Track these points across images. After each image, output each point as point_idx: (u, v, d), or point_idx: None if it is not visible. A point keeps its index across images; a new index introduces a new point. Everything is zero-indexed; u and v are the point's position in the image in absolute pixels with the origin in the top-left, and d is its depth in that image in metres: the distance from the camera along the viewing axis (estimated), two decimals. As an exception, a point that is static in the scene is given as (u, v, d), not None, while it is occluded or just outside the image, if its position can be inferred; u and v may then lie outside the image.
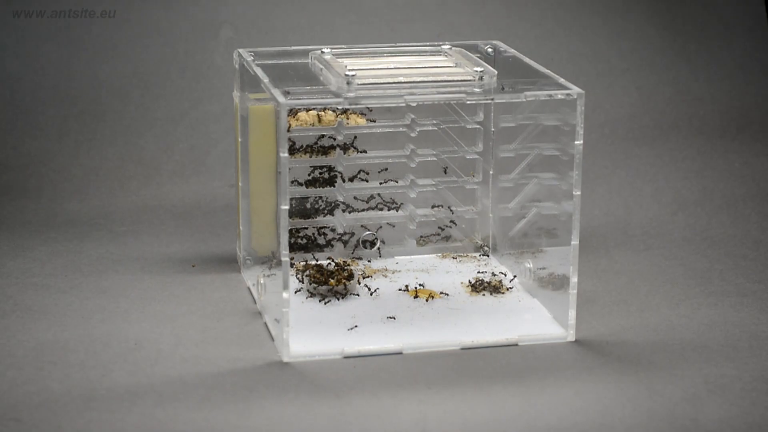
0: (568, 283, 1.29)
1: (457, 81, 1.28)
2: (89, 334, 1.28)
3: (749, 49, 1.81)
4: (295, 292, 1.37)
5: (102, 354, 1.25)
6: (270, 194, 1.28)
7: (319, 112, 1.40)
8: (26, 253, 1.47)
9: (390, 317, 1.32)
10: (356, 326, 1.30)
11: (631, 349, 1.28)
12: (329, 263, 1.42)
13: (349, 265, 1.42)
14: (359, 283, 1.39)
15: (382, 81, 1.26)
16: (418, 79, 1.27)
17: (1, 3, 1.73)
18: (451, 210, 1.46)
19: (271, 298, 1.29)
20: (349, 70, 1.27)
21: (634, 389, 1.20)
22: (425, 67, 1.32)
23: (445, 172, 1.46)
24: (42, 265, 1.44)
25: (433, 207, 1.46)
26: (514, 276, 1.41)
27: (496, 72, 1.29)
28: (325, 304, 1.35)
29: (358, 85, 1.25)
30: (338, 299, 1.36)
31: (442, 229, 1.50)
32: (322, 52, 1.35)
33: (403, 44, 1.40)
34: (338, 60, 1.33)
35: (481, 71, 1.28)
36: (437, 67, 1.33)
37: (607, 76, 1.78)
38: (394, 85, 1.26)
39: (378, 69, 1.30)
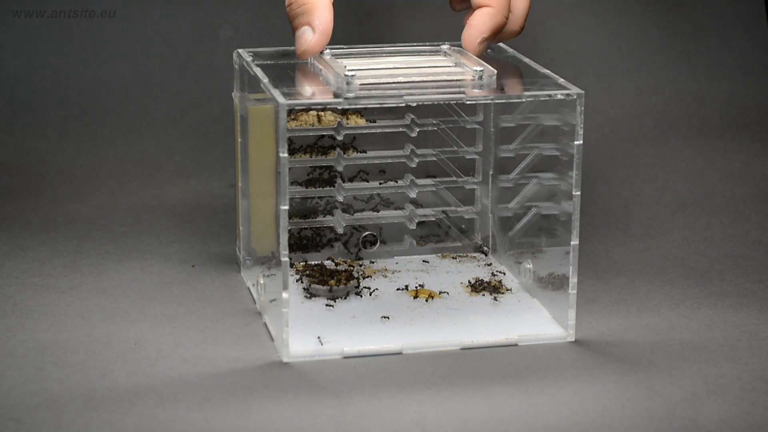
0: (568, 283, 1.29)
1: (457, 80, 1.28)
2: (89, 334, 1.28)
3: (749, 49, 1.81)
4: (296, 281, 1.38)
5: (102, 354, 1.25)
6: (270, 194, 1.28)
7: (319, 113, 1.40)
8: (26, 253, 1.47)
9: (384, 317, 1.32)
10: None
11: (631, 349, 1.28)
12: (329, 262, 1.42)
13: (350, 265, 1.42)
14: (359, 284, 1.39)
15: (381, 81, 1.26)
16: (418, 79, 1.27)
17: (1, 3, 1.73)
18: (447, 215, 1.47)
19: (271, 298, 1.29)
20: (349, 70, 1.27)
21: (634, 389, 1.20)
22: (424, 67, 1.32)
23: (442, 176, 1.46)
24: (42, 265, 1.44)
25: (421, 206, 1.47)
26: (500, 292, 1.40)
27: (495, 71, 1.29)
28: (327, 306, 1.36)
29: (358, 85, 1.25)
30: (333, 301, 1.36)
31: (442, 238, 1.50)
32: (321, 52, 1.35)
33: (402, 44, 1.40)
34: (337, 60, 1.33)
35: (480, 71, 1.28)
36: (437, 66, 1.33)
37: (607, 76, 1.78)
38: (393, 85, 1.26)
39: (377, 69, 1.30)
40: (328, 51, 1.35)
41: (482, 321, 1.32)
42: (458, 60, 1.34)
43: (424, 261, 1.46)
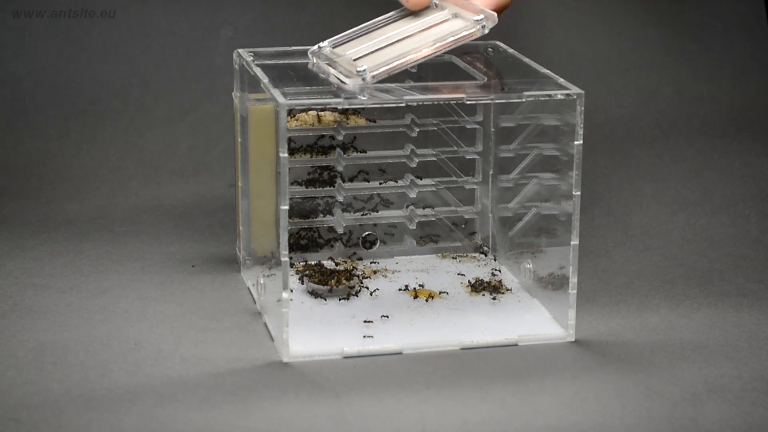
0: (568, 283, 1.29)
1: (465, 36, 1.26)
2: (89, 334, 1.28)
3: (749, 49, 1.81)
4: (298, 279, 1.37)
5: (102, 354, 1.25)
6: (270, 194, 1.28)
7: (319, 112, 1.40)
8: (26, 253, 1.47)
9: (384, 316, 1.32)
10: (371, 336, 1.29)
11: (631, 349, 1.28)
12: (329, 262, 1.42)
13: (352, 265, 1.42)
14: (360, 283, 1.39)
15: (392, 64, 1.24)
16: (429, 51, 1.25)
17: (1, 3, 1.73)
18: (452, 225, 1.47)
19: (271, 298, 1.29)
20: (357, 61, 1.25)
21: (634, 389, 1.20)
22: (426, 29, 1.30)
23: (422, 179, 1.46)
24: (42, 265, 1.44)
25: (425, 207, 1.46)
26: (500, 292, 1.40)
27: (496, 14, 1.28)
28: (328, 299, 1.36)
29: (372, 77, 1.23)
30: (321, 298, 1.36)
31: (442, 238, 1.50)
32: (319, 47, 1.32)
33: (388, 13, 1.36)
34: (340, 54, 1.30)
35: (482, 19, 1.27)
36: (436, 24, 1.30)
37: (607, 76, 1.78)
38: (406, 62, 1.25)
39: (381, 49, 1.28)
40: (325, 44, 1.32)
41: (482, 321, 1.32)
42: (454, 11, 1.32)
43: (459, 274, 1.44)
